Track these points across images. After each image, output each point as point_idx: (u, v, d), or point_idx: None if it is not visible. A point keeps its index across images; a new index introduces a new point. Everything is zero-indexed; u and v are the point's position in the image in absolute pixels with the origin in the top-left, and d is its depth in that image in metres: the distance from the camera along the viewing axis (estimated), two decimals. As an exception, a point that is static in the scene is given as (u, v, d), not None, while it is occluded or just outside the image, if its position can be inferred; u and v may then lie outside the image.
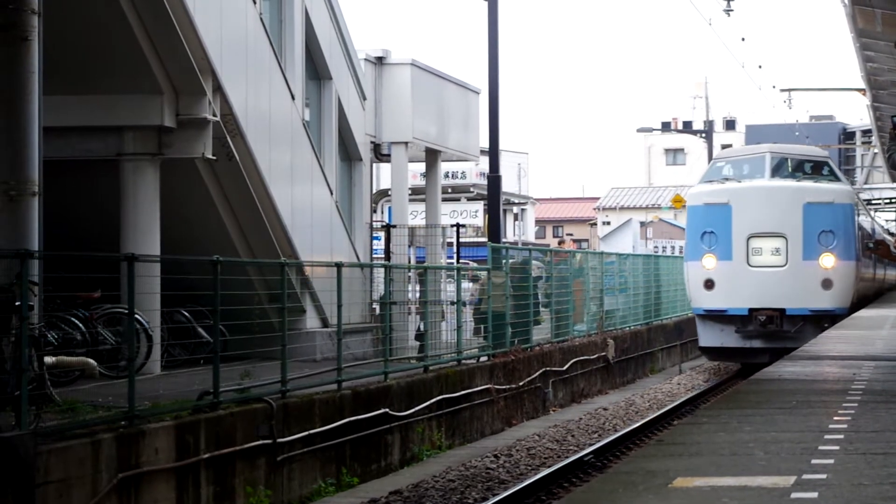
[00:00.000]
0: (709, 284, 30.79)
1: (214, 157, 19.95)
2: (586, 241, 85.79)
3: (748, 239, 30.51)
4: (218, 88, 19.86)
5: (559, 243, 57.32)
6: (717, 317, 30.95)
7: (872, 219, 44.14)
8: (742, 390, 13.26)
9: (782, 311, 30.27)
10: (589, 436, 22.59)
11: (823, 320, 29.45)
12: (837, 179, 32.02)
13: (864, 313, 30.67)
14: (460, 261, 30.32)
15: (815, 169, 31.82)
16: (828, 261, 30.27)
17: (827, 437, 9.41)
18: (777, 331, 30.20)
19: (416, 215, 37.84)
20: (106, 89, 19.21)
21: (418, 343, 23.31)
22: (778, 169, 31.37)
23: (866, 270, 35.57)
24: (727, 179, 31.56)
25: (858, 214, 33.18)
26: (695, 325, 32.48)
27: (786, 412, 11.10)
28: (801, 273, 30.22)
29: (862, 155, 69.38)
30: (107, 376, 15.83)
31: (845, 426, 9.99)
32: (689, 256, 31.87)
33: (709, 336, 31.44)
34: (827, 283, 30.23)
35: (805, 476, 7.79)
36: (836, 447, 8.91)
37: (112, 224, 19.58)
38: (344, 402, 17.46)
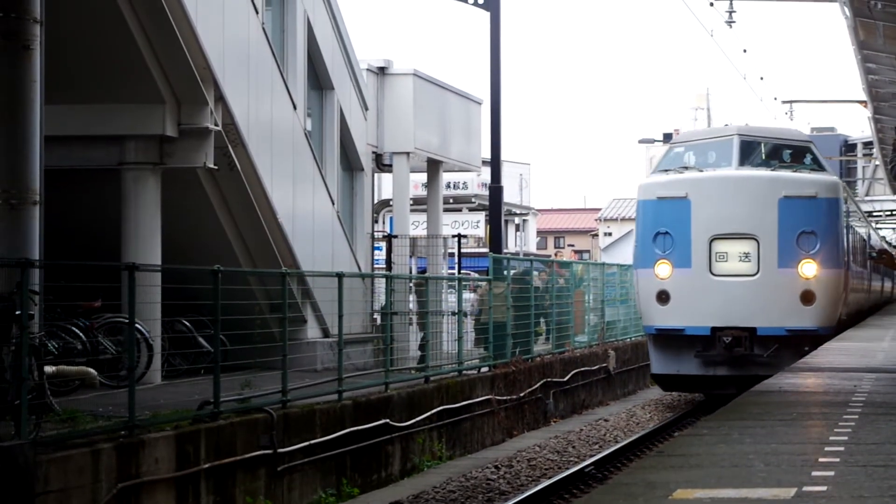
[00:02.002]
0: (662, 298, 25.52)
1: (216, 167, 19.95)
2: (588, 251, 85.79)
3: (711, 241, 25.27)
4: (220, 98, 19.87)
5: (555, 254, 57.20)
6: (672, 338, 25.65)
7: (866, 219, 38.69)
8: (743, 402, 13.24)
9: (752, 330, 25.08)
10: (590, 447, 22.58)
11: (803, 342, 24.24)
12: (822, 169, 26.60)
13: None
14: (462, 271, 30.30)
15: (796, 156, 26.60)
16: (809, 269, 25.13)
17: (828, 449, 9.40)
18: (746, 355, 25.00)
19: (417, 225, 37.85)
20: (108, 98, 19.22)
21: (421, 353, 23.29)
22: (749, 155, 26.15)
23: (859, 280, 30.67)
24: (686, 168, 26.21)
25: (848, 213, 27.99)
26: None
27: (786, 424, 11.09)
28: (775, 284, 25.04)
29: (863, 167, 69.37)
30: (107, 386, 15.82)
31: (846, 438, 9.97)
32: (638, 263, 26.39)
33: (663, 361, 26.10)
34: (808, 297, 25.09)
35: (806, 488, 7.78)
36: (837, 459, 8.89)
37: (113, 233, 19.58)
38: (345, 413, 17.44)
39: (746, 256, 25.12)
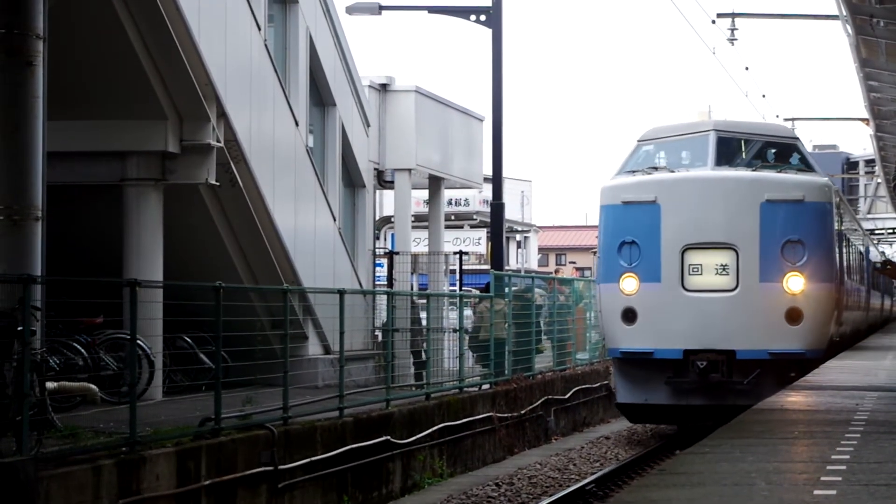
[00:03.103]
0: (628, 316, 22.55)
1: (218, 183, 19.96)
2: (589, 269, 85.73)
3: (683, 252, 22.29)
4: (222, 114, 19.89)
5: (555, 271, 57.16)
6: (639, 362, 22.66)
7: (862, 228, 35.36)
8: (745, 420, 13.22)
9: (730, 354, 22.07)
10: (591, 465, 22.53)
11: (789, 367, 21.44)
12: (811, 170, 23.46)
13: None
14: (463, 288, 30.29)
15: (780, 154, 23.60)
16: (795, 283, 22.14)
17: (829, 467, 9.38)
18: (723, 382, 22.03)
19: (418, 242, 37.84)
20: (110, 115, 19.24)
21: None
22: (727, 153, 23.21)
23: (855, 297, 27.93)
24: (656, 169, 23.23)
25: (841, 219, 25.06)
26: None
27: (788, 442, 11.07)
28: (757, 300, 22.11)
29: (865, 185, 69.45)
30: (108, 402, 15.83)
31: (848, 457, 9.96)
32: (602, 277, 23.38)
33: (629, 389, 23.05)
34: (794, 315, 22.10)
35: (808, 507, 7.76)
36: (839, 478, 8.88)
37: (115, 249, 19.59)
38: (346, 430, 17.43)
39: (724, 269, 22.22)
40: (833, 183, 23.59)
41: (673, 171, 22.99)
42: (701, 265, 22.31)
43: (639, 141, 24.05)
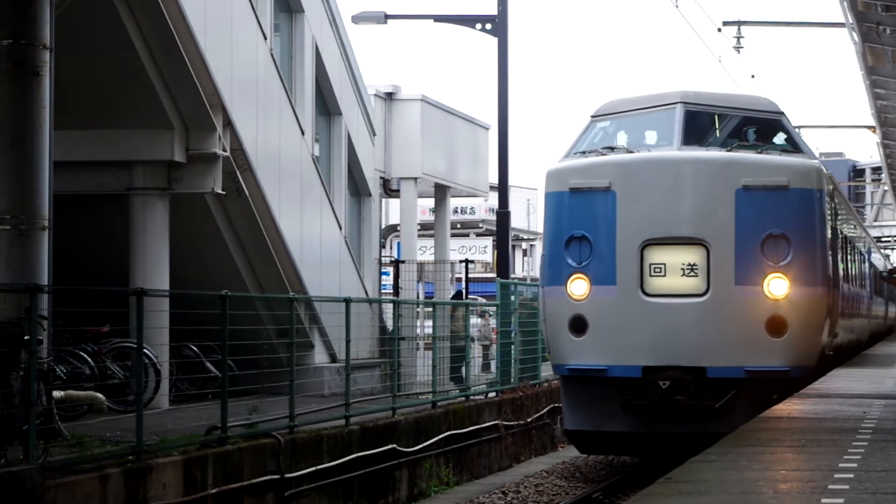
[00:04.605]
0: (577, 326, 18.85)
1: (224, 192, 19.99)
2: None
3: (643, 249, 18.64)
4: (228, 124, 19.92)
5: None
6: (591, 381, 18.90)
7: (861, 225, 31.06)
8: (751, 428, 13.21)
9: (700, 372, 18.40)
10: (597, 473, 22.52)
11: (771, 388, 17.91)
12: (798, 150, 19.71)
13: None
14: (469, 297, 30.30)
15: (762, 132, 19.82)
16: (778, 286, 18.51)
17: (837, 476, 9.37)
18: (691, 406, 18.38)
19: (424, 251, 37.87)
20: (116, 124, 19.28)
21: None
22: (697, 131, 19.46)
23: (852, 303, 24.13)
24: (613, 149, 19.46)
25: (836, 212, 21.09)
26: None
27: (795, 451, 11.06)
28: (732, 308, 18.49)
29: (872, 192, 69.42)
30: (115, 410, 15.83)
31: (855, 465, 9.94)
32: (546, 279, 19.56)
33: (579, 413, 19.24)
34: (776, 325, 18.48)
35: (815, 515, 7.75)
36: (847, 486, 8.86)
37: (121, 258, 19.61)
38: (352, 438, 17.43)
39: (692, 269, 18.58)
40: (826, 168, 19.67)
41: (632, 152, 19.23)
42: (664, 265, 18.65)
43: (592, 117, 20.22)
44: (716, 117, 19.77)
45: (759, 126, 19.87)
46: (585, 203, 18.95)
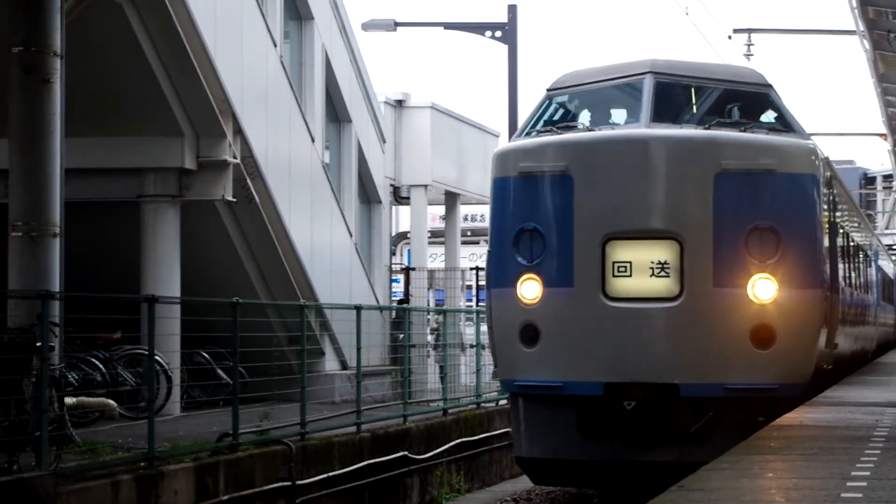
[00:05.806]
0: (529, 335, 15.84)
1: (234, 199, 20.02)
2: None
3: (605, 244, 15.59)
4: (238, 131, 19.95)
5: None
6: (545, 400, 15.86)
7: (865, 221, 27.67)
8: (763, 436, 13.18)
9: (672, 389, 15.41)
10: (608, 480, 22.49)
11: (756, 408, 15.22)
12: (790, 129, 16.48)
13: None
14: (479, 304, 30.29)
15: (747, 108, 16.61)
16: (765, 289, 15.54)
17: (849, 484, 9.34)
18: (662, 429, 15.51)
19: (435, 258, 37.88)
20: (127, 131, 19.31)
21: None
22: (670, 105, 16.33)
23: (856, 309, 21.00)
24: (572, 127, 16.47)
25: (835, 202, 17.81)
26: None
27: (807, 459, 11.03)
28: (710, 314, 15.52)
29: (883, 200, 69.40)
30: (127, 417, 15.88)
31: (868, 473, 9.92)
32: (492, 280, 16.53)
33: (531, 437, 16.11)
34: (763, 335, 15.54)
35: (828, 523, 7.73)
36: (860, 495, 8.84)
37: (132, 265, 19.64)
38: (363, 445, 17.43)
39: (662, 268, 15.61)
40: (821, 151, 16.89)
41: (593, 130, 16.22)
42: (630, 263, 15.63)
43: (548, 90, 17.13)
44: (692, 90, 16.64)
45: (744, 101, 16.66)
46: (537, 190, 16.06)
